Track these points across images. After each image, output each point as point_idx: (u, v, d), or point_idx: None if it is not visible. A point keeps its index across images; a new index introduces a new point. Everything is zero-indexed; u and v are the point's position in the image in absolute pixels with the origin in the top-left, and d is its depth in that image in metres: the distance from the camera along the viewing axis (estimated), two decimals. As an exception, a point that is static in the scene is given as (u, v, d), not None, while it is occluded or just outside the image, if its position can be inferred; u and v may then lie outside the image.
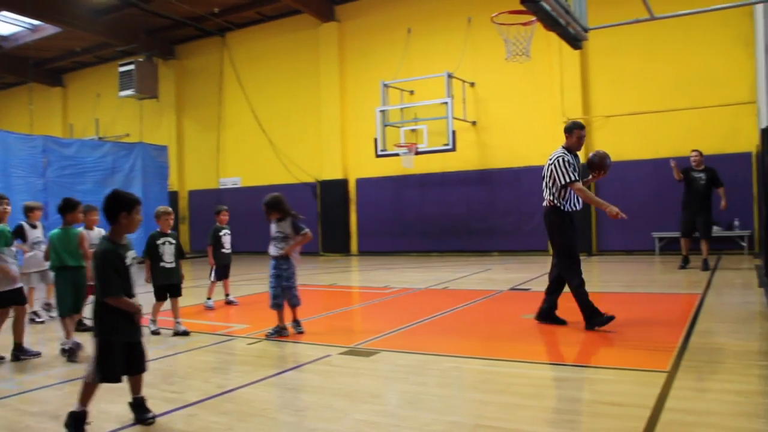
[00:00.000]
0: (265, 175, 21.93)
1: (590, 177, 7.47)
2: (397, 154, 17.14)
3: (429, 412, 4.44)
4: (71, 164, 18.09)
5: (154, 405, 4.69)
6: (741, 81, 14.99)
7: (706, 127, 15.00)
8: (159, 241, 7.68)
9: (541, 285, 11.39)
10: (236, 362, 6.27)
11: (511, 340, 6.83)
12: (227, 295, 10.16)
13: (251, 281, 13.27)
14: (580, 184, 7.05)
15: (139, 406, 4.43)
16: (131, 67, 22.31)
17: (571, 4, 7.68)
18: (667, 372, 5.17)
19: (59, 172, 17.68)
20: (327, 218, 20.69)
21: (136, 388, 4.46)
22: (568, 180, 6.98)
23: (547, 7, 6.90)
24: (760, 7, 10.64)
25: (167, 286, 7.72)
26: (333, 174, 20.67)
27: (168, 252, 7.68)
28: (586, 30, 8.20)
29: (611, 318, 6.89)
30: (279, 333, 7.29)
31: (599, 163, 7.25)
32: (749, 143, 14.77)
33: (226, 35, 23.14)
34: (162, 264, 7.65)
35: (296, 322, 7.54)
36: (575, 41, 8.19)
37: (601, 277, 12.56)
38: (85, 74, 26.94)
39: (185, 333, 7.56)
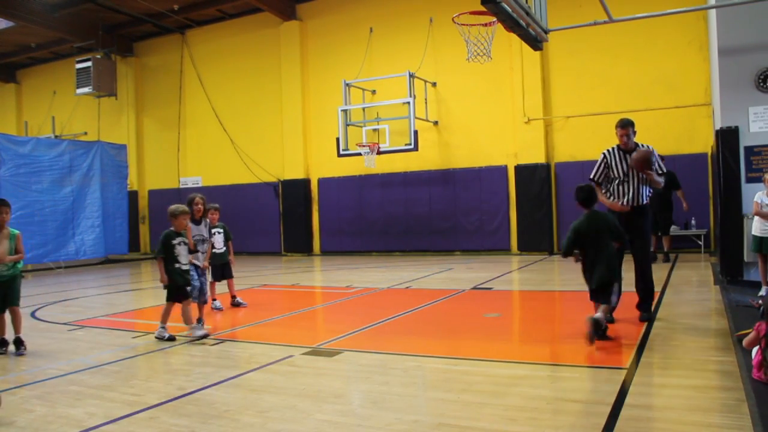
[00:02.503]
0: (226, 175, 21.73)
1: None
2: (359, 154, 17.12)
3: (392, 411, 4.44)
4: (26, 163, 17.68)
5: (114, 408, 4.61)
6: (696, 83, 15.32)
7: (663, 128, 15.29)
8: (174, 241, 7.32)
9: (503, 284, 11.54)
10: (198, 364, 6.19)
11: (473, 339, 6.87)
12: (233, 296, 9.77)
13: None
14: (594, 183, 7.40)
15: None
16: (88, 64, 21.86)
17: (532, 6, 7.76)
18: (627, 369, 5.26)
19: (14, 171, 17.27)
20: (289, 218, 20.57)
21: None
22: (590, 176, 7.51)
23: (508, 9, 6.96)
24: (713, 12, 10.89)
25: (181, 288, 7.38)
26: (295, 173, 20.56)
27: (183, 253, 7.38)
28: (546, 31, 8.30)
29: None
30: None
31: (635, 165, 7.26)
32: (704, 144, 15.11)
33: (187, 33, 22.84)
34: (177, 265, 7.31)
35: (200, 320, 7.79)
36: (535, 42, 8.28)
37: (562, 276, 12.73)
38: (40, 70, 26.32)
39: (204, 336, 7.26)
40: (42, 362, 6.36)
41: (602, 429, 3.91)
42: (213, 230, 9.38)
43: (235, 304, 9.66)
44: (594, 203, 6.65)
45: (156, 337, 7.23)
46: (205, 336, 7.25)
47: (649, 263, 7.50)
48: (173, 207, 7.49)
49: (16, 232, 6.94)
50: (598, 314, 6.19)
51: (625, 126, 7.31)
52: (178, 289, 7.34)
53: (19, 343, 6.85)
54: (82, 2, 20.31)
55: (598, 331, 6.08)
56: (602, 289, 6.41)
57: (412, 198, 18.70)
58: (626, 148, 7.35)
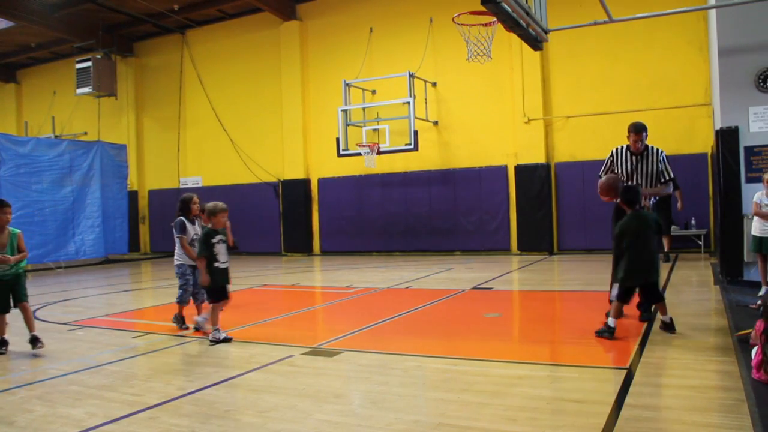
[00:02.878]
0: (226, 175, 21.73)
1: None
2: (359, 154, 17.12)
3: (392, 411, 4.44)
4: (27, 163, 17.67)
5: (114, 408, 4.61)
6: (696, 83, 15.32)
7: (663, 128, 15.27)
8: (214, 240, 7.11)
9: (503, 284, 11.54)
10: (198, 363, 6.19)
11: (473, 339, 6.87)
12: None
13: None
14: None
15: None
16: (88, 64, 21.83)
17: (532, 6, 7.76)
18: (627, 369, 5.27)
19: (14, 171, 17.26)
20: (289, 218, 20.57)
21: None
22: (598, 173, 7.71)
23: (508, 9, 6.96)
24: (713, 12, 10.90)
25: (222, 289, 7.17)
26: (295, 173, 20.56)
27: (222, 251, 7.16)
28: (546, 31, 8.30)
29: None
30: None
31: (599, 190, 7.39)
32: (704, 144, 15.11)
33: (187, 33, 22.84)
34: (216, 264, 7.08)
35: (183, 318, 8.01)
36: (535, 42, 8.28)
37: (562, 275, 12.73)
38: (40, 70, 26.31)
39: (227, 340, 7.05)
40: (42, 362, 6.36)
41: (602, 429, 3.91)
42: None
43: None
44: (639, 203, 6.71)
45: (210, 341, 6.98)
46: (228, 340, 7.04)
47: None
48: (211, 205, 7.26)
49: (17, 231, 6.94)
50: (666, 317, 6.51)
51: (639, 131, 7.33)
52: (219, 289, 7.14)
53: (35, 340, 6.77)
54: (82, 2, 20.29)
55: (672, 329, 6.45)
56: (653, 288, 6.58)
57: (412, 198, 18.70)
58: (636, 151, 7.41)
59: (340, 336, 7.17)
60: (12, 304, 6.88)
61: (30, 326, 6.87)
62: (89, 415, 4.56)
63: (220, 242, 7.13)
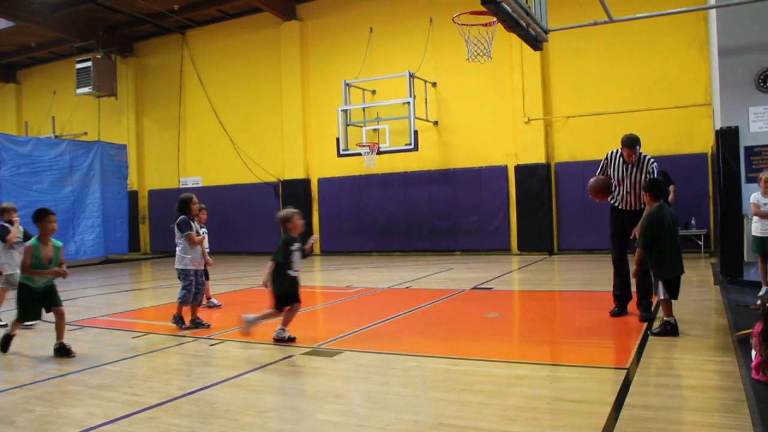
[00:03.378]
0: (226, 175, 21.73)
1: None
2: (359, 154, 17.12)
3: (392, 411, 4.44)
4: (27, 163, 17.69)
5: (114, 408, 4.61)
6: (696, 83, 15.31)
7: (663, 128, 15.29)
8: (293, 247, 6.88)
9: (503, 284, 11.54)
10: (198, 364, 6.19)
11: (473, 339, 6.87)
12: (209, 298, 9.79)
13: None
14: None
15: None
16: (88, 64, 21.81)
17: (532, 6, 7.77)
18: (627, 369, 5.27)
19: (14, 171, 17.27)
20: (289, 218, 20.52)
21: None
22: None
23: (508, 9, 6.97)
24: (713, 12, 10.90)
25: (291, 296, 6.98)
26: (295, 173, 20.56)
27: (297, 259, 6.93)
28: (546, 31, 8.30)
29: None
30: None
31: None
32: (704, 144, 15.11)
33: (187, 33, 22.84)
34: (289, 272, 6.88)
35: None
36: (535, 42, 8.29)
37: (562, 275, 12.73)
38: (40, 70, 26.31)
39: (291, 339, 6.93)
40: (42, 362, 6.36)
41: (602, 429, 3.91)
42: (201, 230, 9.26)
43: (210, 305, 9.73)
44: (665, 196, 6.77)
45: (275, 339, 6.87)
46: (292, 339, 6.88)
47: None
48: (283, 212, 7.08)
49: (60, 243, 6.90)
50: (671, 318, 6.45)
51: (632, 146, 7.39)
52: (288, 296, 6.94)
53: (63, 349, 6.51)
54: (82, 2, 20.28)
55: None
56: (676, 281, 6.55)
57: (412, 198, 18.69)
58: (630, 163, 7.52)
59: (340, 336, 7.17)
60: (44, 310, 6.78)
61: (60, 333, 6.60)
62: (89, 415, 4.56)
63: (297, 250, 6.95)
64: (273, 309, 6.92)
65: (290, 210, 7.12)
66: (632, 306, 7.52)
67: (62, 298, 6.87)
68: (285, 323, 6.95)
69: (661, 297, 6.46)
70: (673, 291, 6.48)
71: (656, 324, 6.60)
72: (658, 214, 6.51)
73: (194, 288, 7.97)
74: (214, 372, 5.74)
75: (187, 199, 8.26)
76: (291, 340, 6.87)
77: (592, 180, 7.67)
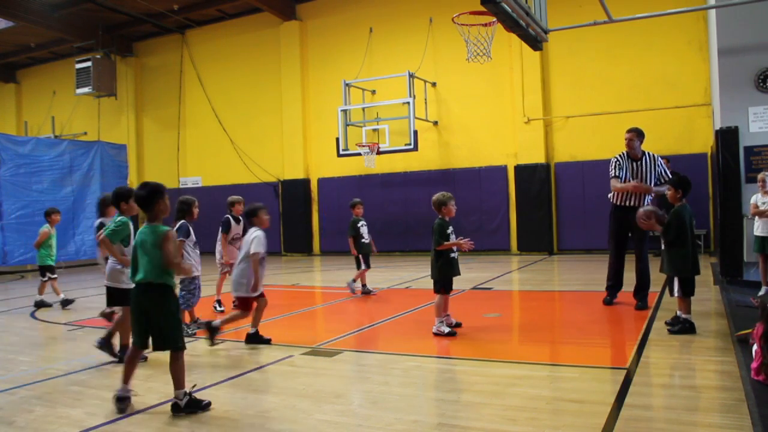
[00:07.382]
0: (226, 175, 21.73)
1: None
2: (359, 154, 17.12)
3: (392, 411, 4.44)
4: (27, 163, 17.64)
5: (114, 408, 4.61)
6: (696, 83, 15.32)
7: (662, 128, 15.29)
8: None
9: (503, 284, 11.54)
10: (198, 364, 6.18)
11: (472, 339, 6.86)
12: (364, 285, 10.60)
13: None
14: (613, 181, 7.94)
15: None
16: (88, 64, 21.83)
17: (531, 6, 7.77)
18: (627, 369, 5.27)
19: (14, 171, 17.25)
20: (289, 218, 20.56)
21: None
22: (613, 174, 7.98)
23: (508, 9, 6.96)
24: (713, 12, 10.90)
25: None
26: (295, 173, 20.56)
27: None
28: (546, 31, 8.30)
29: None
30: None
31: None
32: (704, 144, 15.11)
33: (186, 33, 22.84)
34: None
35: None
36: (535, 42, 8.29)
37: (562, 275, 12.73)
38: (40, 70, 26.31)
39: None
40: (42, 362, 6.36)
41: (602, 429, 3.91)
42: (360, 222, 10.66)
43: (366, 292, 10.63)
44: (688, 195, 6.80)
45: (434, 333, 6.89)
46: (452, 334, 6.90)
47: (647, 259, 8.07)
48: (438, 195, 7.10)
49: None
50: (689, 316, 6.49)
51: (634, 131, 7.88)
52: (450, 279, 7.03)
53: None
54: (82, 2, 20.29)
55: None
56: (693, 280, 6.61)
57: (412, 198, 18.67)
58: (631, 149, 7.83)
59: (340, 336, 7.17)
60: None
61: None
62: (89, 415, 4.56)
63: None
64: (440, 294, 6.96)
65: (446, 194, 7.13)
66: (622, 296, 8.00)
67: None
68: (440, 314, 6.98)
69: (676, 295, 6.50)
70: (691, 289, 6.53)
71: (669, 321, 6.68)
72: (683, 213, 6.58)
73: (198, 292, 7.92)
74: (214, 372, 5.73)
75: (189, 202, 8.02)
76: (451, 334, 6.88)
77: (641, 213, 7.00)
